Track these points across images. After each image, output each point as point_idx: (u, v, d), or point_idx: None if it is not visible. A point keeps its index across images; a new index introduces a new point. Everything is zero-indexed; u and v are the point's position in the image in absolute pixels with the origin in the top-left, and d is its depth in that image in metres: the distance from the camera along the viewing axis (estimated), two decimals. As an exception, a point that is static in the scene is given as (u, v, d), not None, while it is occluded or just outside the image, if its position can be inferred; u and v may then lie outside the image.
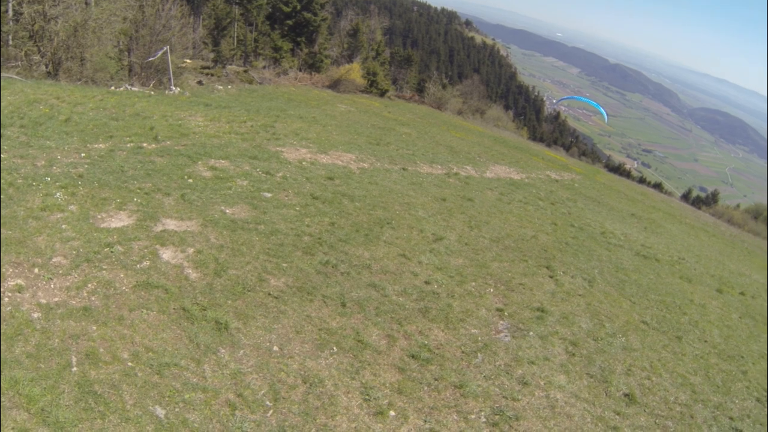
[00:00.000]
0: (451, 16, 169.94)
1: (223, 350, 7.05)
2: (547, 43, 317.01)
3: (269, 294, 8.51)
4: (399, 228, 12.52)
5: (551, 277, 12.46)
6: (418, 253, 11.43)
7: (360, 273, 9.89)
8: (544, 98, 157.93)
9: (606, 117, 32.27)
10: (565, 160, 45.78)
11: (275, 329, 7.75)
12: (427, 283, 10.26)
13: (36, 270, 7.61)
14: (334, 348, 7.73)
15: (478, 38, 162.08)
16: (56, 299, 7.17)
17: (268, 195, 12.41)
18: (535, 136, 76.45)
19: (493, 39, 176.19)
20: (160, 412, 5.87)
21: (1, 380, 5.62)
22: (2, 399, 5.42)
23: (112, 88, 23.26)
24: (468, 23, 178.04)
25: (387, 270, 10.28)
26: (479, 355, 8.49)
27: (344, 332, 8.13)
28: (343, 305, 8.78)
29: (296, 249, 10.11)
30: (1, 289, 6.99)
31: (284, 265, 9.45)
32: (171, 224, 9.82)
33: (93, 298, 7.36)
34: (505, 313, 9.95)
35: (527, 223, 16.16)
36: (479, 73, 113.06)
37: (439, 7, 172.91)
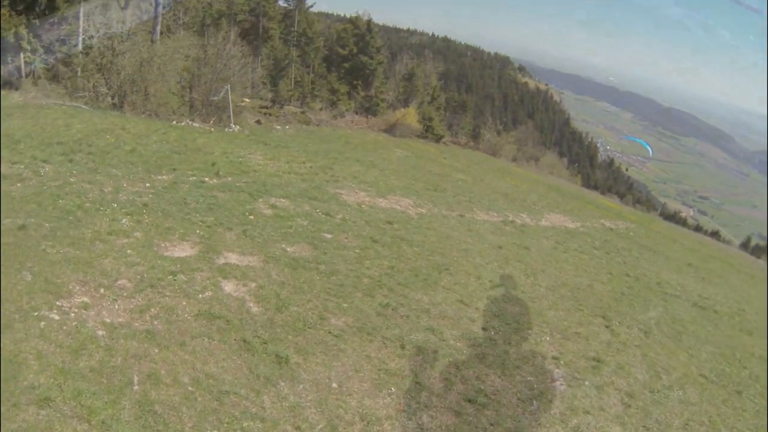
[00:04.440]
0: (504, 62, 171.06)
1: (282, 383, 7.22)
2: (599, 88, 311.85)
3: (330, 332, 8.73)
4: (457, 274, 12.79)
5: (607, 327, 12.41)
6: (475, 299, 11.66)
7: (419, 317, 10.14)
8: (598, 144, 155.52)
9: (650, 150, 32.05)
10: (620, 208, 45.13)
11: (335, 366, 7.94)
12: (484, 329, 10.45)
13: (102, 290, 7.99)
14: (392, 388, 7.87)
15: (532, 83, 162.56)
16: (120, 320, 7.42)
17: (329, 236, 12.83)
18: (589, 184, 75.41)
19: (547, 84, 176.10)
20: (217, 437, 6.09)
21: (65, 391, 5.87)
22: (64, 408, 5.69)
23: (174, 122, 24.59)
24: (521, 68, 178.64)
25: (445, 315, 10.52)
26: (535, 402, 8.59)
27: (403, 373, 8.29)
28: (402, 347, 8.97)
29: (356, 290, 10.40)
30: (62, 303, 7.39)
31: (344, 305, 9.72)
32: (233, 258, 10.22)
33: (156, 323, 7.60)
34: (561, 362, 10.02)
35: (583, 272, 16.18)
36: (533, 119, 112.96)
37: (492, 52, 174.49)
